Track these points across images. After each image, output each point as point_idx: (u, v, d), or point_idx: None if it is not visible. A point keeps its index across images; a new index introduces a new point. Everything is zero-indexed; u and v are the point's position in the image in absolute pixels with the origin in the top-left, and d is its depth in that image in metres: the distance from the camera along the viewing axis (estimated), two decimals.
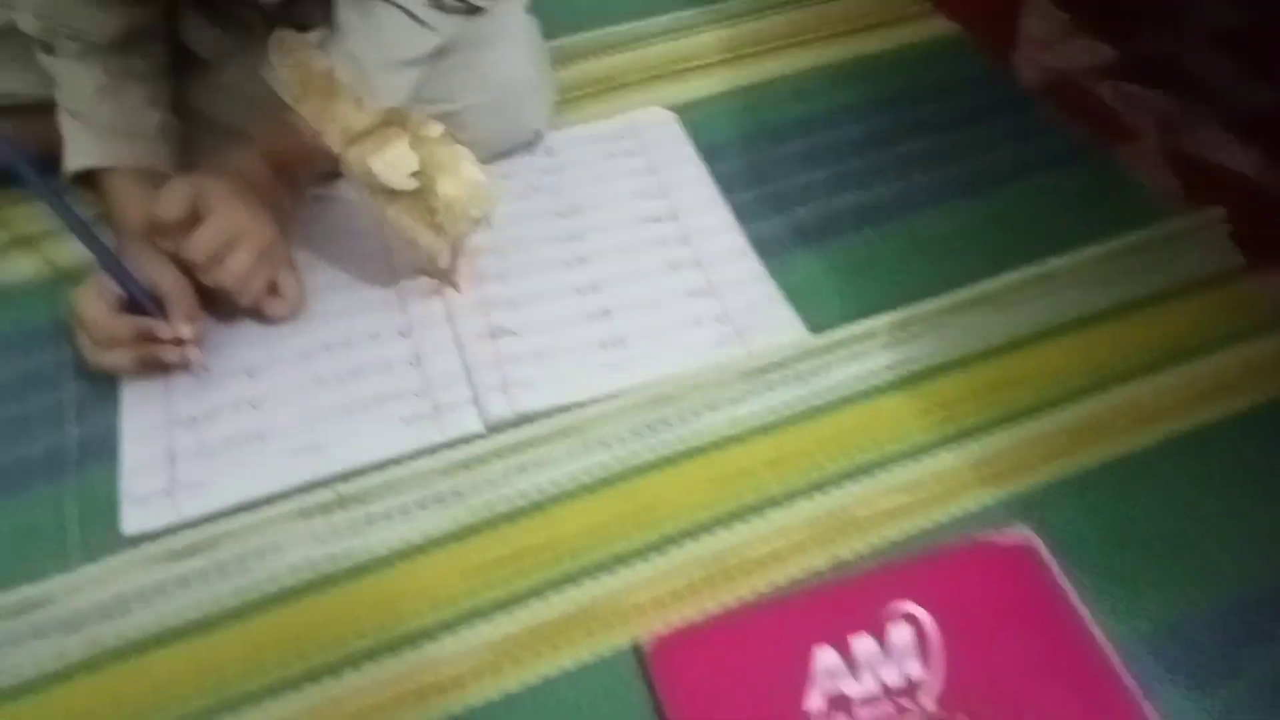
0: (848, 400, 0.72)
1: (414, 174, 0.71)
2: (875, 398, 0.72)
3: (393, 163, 0.71)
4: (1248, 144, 0.89)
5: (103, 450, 0.70)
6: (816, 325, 0.76)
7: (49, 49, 0.76)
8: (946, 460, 0.68)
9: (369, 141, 0.71)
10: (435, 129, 0.73)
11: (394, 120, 0.72)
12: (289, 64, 0.72)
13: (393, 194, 0.72)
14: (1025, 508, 0.65)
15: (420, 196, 0.72)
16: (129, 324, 0.70)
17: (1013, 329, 0.76)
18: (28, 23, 0.75)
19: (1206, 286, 0.78)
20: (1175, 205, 0.84)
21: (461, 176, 0.72)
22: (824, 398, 0.72)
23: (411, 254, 0.77)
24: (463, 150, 0.73)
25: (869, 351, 0.74)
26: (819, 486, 0.67)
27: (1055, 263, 0.79)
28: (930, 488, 0.67)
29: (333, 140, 0.72)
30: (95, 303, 0.69)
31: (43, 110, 0.80)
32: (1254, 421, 0.69)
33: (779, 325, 0.76)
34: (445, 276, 0.78)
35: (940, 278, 0.79)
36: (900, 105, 0.95)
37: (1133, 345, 0.74)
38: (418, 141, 0.72)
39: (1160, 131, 0.91)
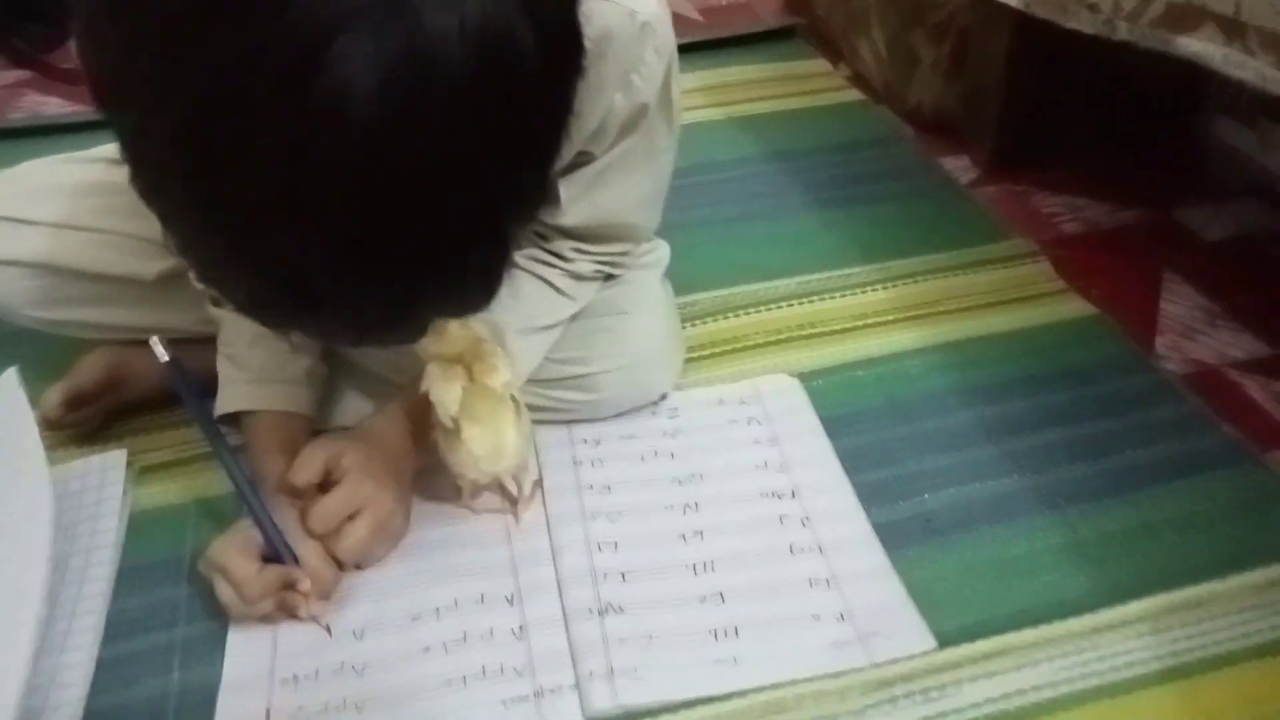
0: None
1: (452, 417, 0.74)
2: None
3: (440, 398, 0.73)
4: None
5: (202, 705, 0.69)
6: (945, 634, 0.71)
7: (216, 301, 0.82)
8: None
9: (439, 366, 0.74)
10: (500, 378, 0.75)
11: (466, 358, 0.74)
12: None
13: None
14: None
15: (455, 434, 0.75)
16: (275, 577, 0.71)
17: (1166, 659, 0.69)
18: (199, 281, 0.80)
19: None
20: None
21: (491, 433, 0.75)
22: None
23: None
24: (509, 411, 0.76)
25: (1003, 671, 0.69)
26: None
27: (1211, 588, 0.73)
28: None
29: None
30: (241, 559, 0.70)
31: (206, 341, 0.85)
32: None
33: (905, 633, 0.71)
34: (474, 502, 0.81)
35: (1081, 591, 0.74)
36: (1036, 389, 0.92)
37: None
38: (472, 386, 0.74)
39: None
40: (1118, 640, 0.70)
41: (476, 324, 0.75)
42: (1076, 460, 0.85)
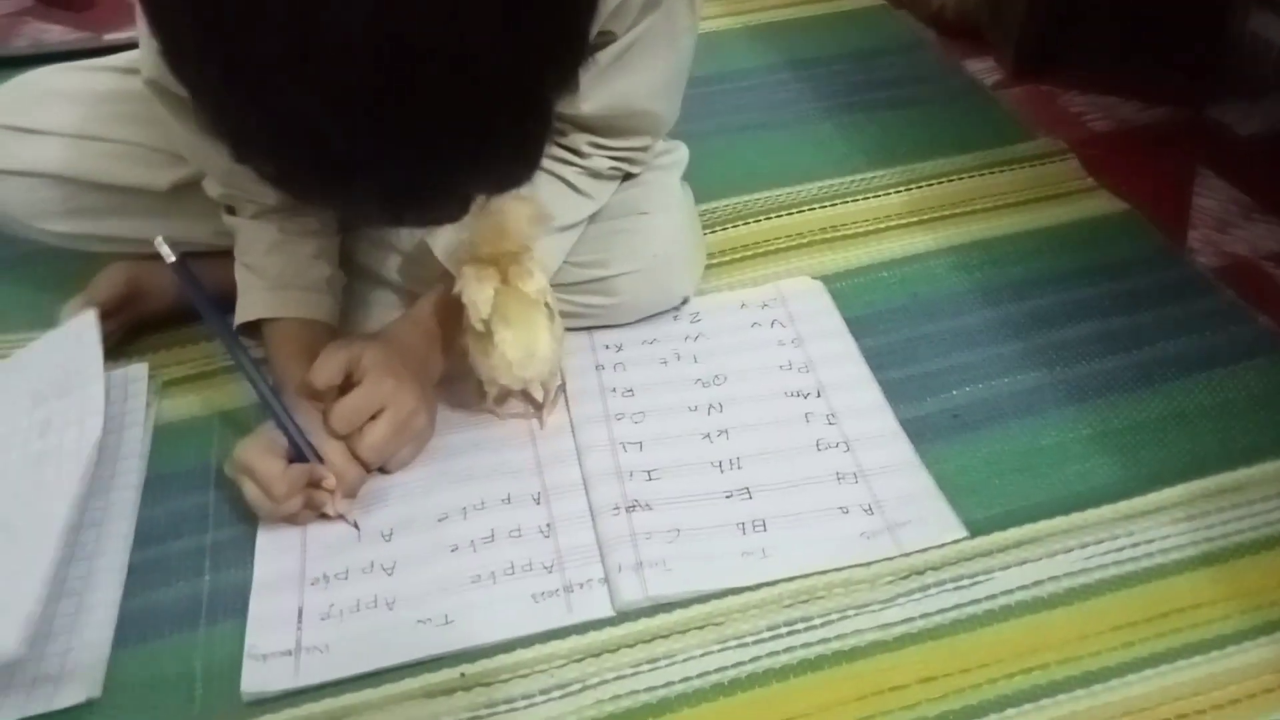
0: (1011, 612, 0.66)
1: (484, 319, 0.73)
2: (1043, 611, 0.65)
3: (474, 300, 0.73)
4: None
5: (235, 604, 0.69)
6: (975, 524, 0.71)
7: (230, 210, 0.81)
8: (1122, 692, 0.61)
9: (473, 269, 0.73)
10: (535, 282, 0.74)
11: (503, 260, 0.73)
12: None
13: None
14: None
15: (486, 338, 0.74)
16: (301, 474, 0.71)
17: (1201, 544, 0.68)
18: (212, 188, 0.80)
19: None
20: None
21: (524, 337, 0.74)
22: (984, 607, 0.66)
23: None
24: (542, 316, 0.75)
25: (1035, 559, 0.68)
26: (979, 715, 0.60)
27: (1246, 473, 0.72)
28: None
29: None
30: (268, 458, 0.70)
31: (223, 255, 0.84)
32: None
33: (934, 522, 0.71)
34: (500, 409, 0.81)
35: (1112, 480, 0.73)
36: (1064, 285, 0.90)
37: None
38: (506, 290, 0.73)
39: None
40: (1151, 526, 0.70)
41: (524, 204, 0.72)
42: (1107, 353, 0.83)
